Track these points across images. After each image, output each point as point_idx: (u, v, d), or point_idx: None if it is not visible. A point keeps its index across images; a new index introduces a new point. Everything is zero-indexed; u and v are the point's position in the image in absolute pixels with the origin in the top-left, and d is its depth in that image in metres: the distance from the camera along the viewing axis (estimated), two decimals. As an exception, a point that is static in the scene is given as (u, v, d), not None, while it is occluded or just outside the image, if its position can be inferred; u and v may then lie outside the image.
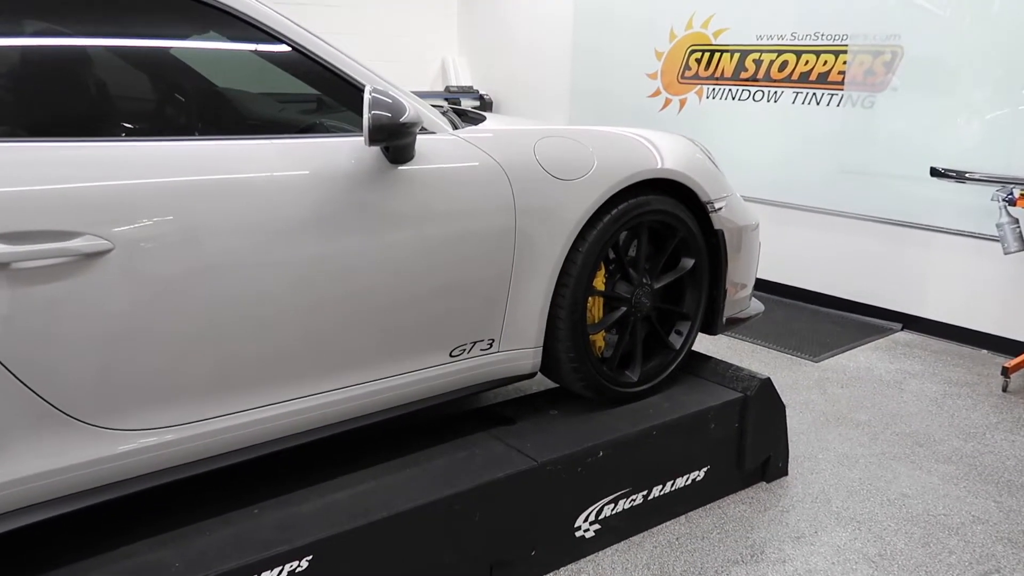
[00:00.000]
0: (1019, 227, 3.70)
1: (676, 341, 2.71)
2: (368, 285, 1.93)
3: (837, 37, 4.58)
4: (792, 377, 3.87)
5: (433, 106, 2.69)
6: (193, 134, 1.91)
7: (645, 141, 2.55)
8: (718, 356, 4.05)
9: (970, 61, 4.09)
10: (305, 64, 1.93)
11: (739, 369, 2.80)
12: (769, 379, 2.74)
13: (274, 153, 1.81)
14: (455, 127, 2.22)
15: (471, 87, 6.95)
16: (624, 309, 2.52)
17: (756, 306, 3.09)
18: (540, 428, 2.40)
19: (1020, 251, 3.72)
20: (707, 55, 5.30)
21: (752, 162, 5.15)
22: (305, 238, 1.81)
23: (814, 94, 4.75)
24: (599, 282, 2.46)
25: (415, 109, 1.91)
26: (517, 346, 2.28)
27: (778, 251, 5.13)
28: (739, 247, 2.80)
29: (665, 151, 2.54)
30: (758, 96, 5.06)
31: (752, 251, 2.93)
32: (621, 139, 2.51)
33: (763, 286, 5.23)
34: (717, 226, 2.66)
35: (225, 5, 1.80)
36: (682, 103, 5.52)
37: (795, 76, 4.83)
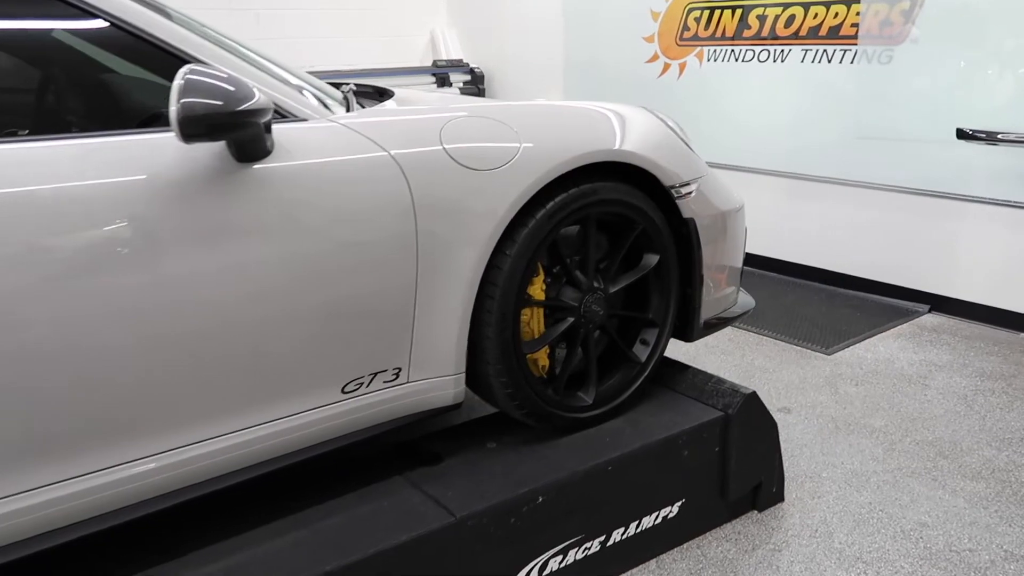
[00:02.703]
0: (1060, 195, 3.19)
1: (642, 353, 2.29)
2: (218, 316, 1.55)
3: (848, -15, 4.06)
4: (800, 374, 3.42)
5: (336, 84, 2.30)
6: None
7: (591, 117, 2.12)
8: (718, 350, 3.67)
9: (1000, 5, 3.55)
10: (126, 41, 1.53)
11: (720, 381, 2.37)
12: (754, 393, 2.31)
13: (69, 156, 1.42)
14: (349, 110, 1.82)
15: (461, 60, 6.50)
16: (571, 320, 2.11)
17: (745, 302, 2.65)
18: (471, 468, 2.01)
19: (1062, 223, 3.21)
20: (707, 13, 4.79)
21: (759, 129, 4.66)
22: (116, 264, 1.42)
23: (825, 51, 4.24)
24: (537, 290, 2.04)
25: (263, 93, 1.51)
26: (432, 374, 1.88)
27: (789, 226, 4.66)
28: (718, 236, 2.36)
29: (617, 128, 2.11)
30: (763, 56, 4.55)
31: (736, 239, 2.49)
32: (559, 117, 2.08)
33: (772, 266, 4.76)
34: (686, 214, 2.22)
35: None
36: (682, 67, 5.03)
37: (803, 32, 4.31)
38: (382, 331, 1.78)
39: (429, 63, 6.53)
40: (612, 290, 2.18)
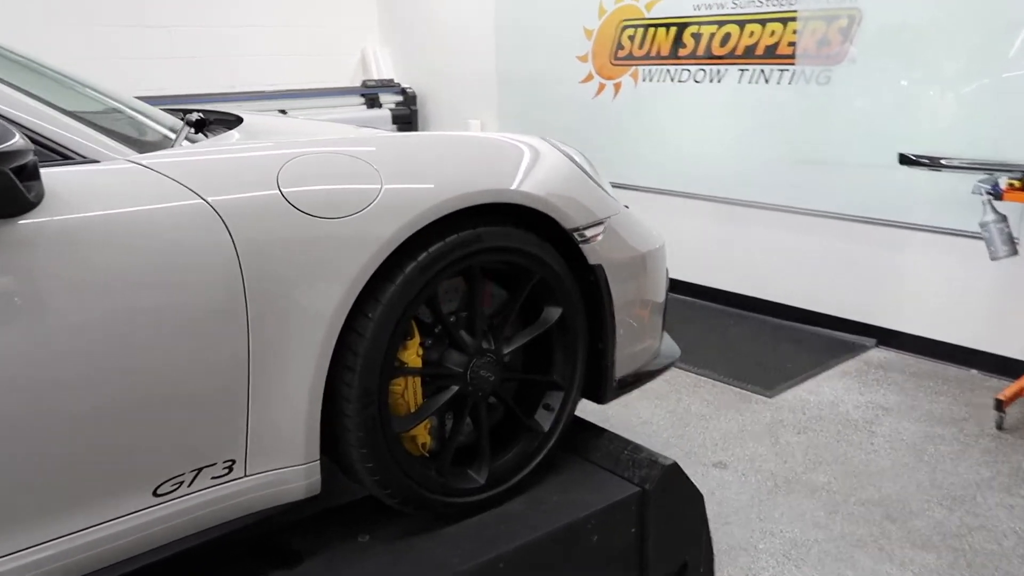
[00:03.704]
0: (1007, 226, 2.98)
1: (545, 420, 1.98)
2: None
3: (784, 2, 3.84)
4: (739, 421, 3.14)
5: (181, 112, 1.97)
6: None
7: (472, 152, 1.82)
8: (652, 394, 3.38)
9: (941, 24, 3.36)
10: None
11: (636, 449, 2.06)
12: (675, 465, 2.01)
13: None
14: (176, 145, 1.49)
15: (391, 80, 6.19)
16: (455, 389, 1.79)
17: (669, 350, 2.36)
18: (334, 571, 1.67)
19: (1009, 256, 2.99)
20: (641, 31, 4.55)
21: (696, 152, 4.42)
22: None
23: (762, 71, 4.01)
24: (412, 355, 1.72)
25: (32, 131, 1.18)
26: (276, 464, 1.55)
27: (728, 254, 4.42)
28: (634, 282, 2.07)
29: (506, 165, 1.81)
30: (700, 76, 4.32)
31: (656, 283, 2.20)
32: (436, 151, 1.77)
33: (711, 296, 4.51)
34: (593, 260, 1.93)
35: None
36: (617, 87, 4.78)
37: (739, 51, 4.09)
38: (204, 419, 1.44)
39: (358, 83, 6.21)
40: (506, 351, 1.87)
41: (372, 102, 6.00)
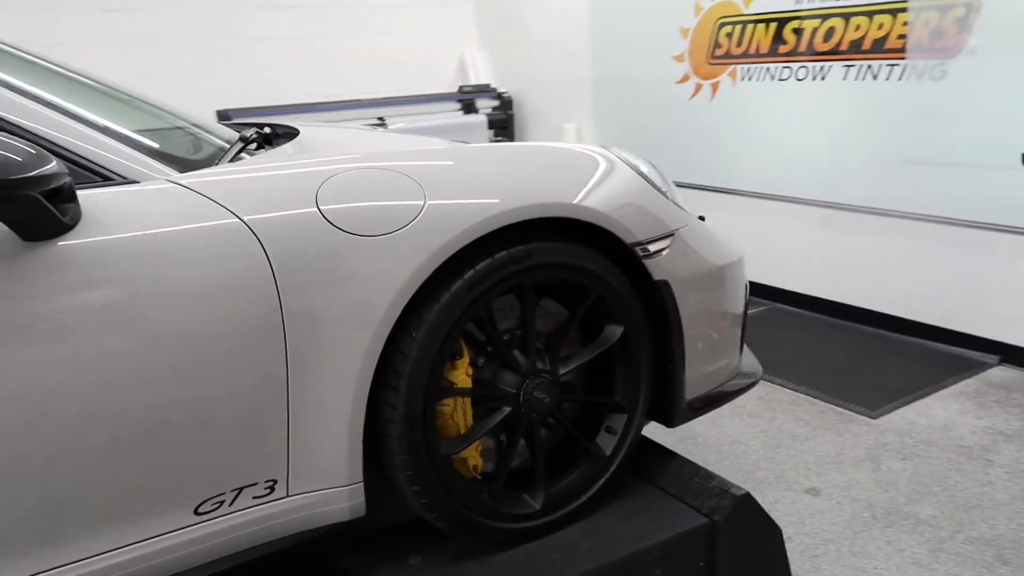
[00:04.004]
0: None
1: (607, 444, 1.88)
2: (8, 432, 1.23)
3: (894, -9, 3.57)
4: (837, 443, 2.93)
5: (241, 127, 1.99)
6: None
7: (526, 164, 1.75)
8: (743, 411, 3.20)
9: (1075, 7, 3.03)
10: None
11: (708, 477, 1.94)
12: (747, 495, 1.87)
13: None
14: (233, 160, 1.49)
15: (488, 85, 6.19)
16: (507, 411, 1.72)
17: (750, 369, 2.22)
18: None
19: None
20: (739, 28, 4.35)
21: (797, 155, 4.19)
22: None
23: (869, 67, 3.75)
24: (460, 375, 1.67)
25: (71, 152, 1.21)
26: (319, 486, 1.52)
27: (833, 261, 4.16)
28: (707, 298, 1.95)
29: (560, 176, 1.73)
30: (801, 74, 4.08)
31: (733, 298, 2.07)
32: (486, 164, 1.71)
33: (815, 306, 4.26)
34: (657, 276, 1.82)
35: None
36: (714, 88, 4.59)
37: (844, 46, 3.84)
38: (243, 439, 1.43)
39: (455, 89, 6.24)
40: (563, 371, 1.79)
41: (468, 108, 6.01)
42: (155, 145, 1.49)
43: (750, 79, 4.37)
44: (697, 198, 4.86)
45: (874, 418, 3.11)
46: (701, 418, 3.13)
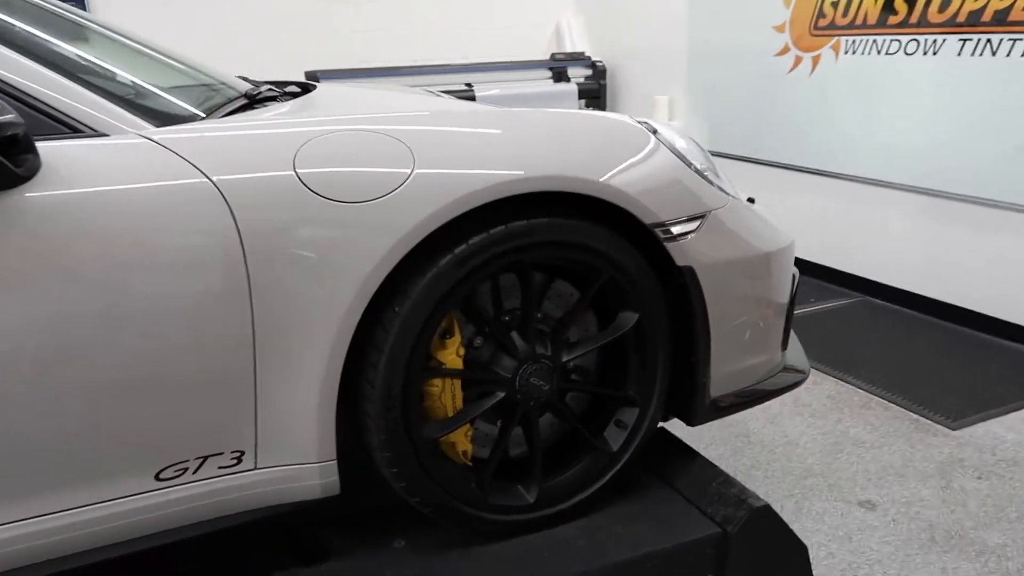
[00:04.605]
0: None
1: (615, 439, 1.75)
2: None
3: (1022, -45, 3.18)
4: (906, 453, 2.68)
5: (253, 82, 1.93)
6: None
7: (537, 132, 1.62)
8: (808, 410, 2.98)
9: None
10: None
11: (728, 483, 1.78)
12: (767, 507, 1.71)
13: None
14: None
15: (582, 53, 5.98)
16: (501, 396, 1.61)
17: (796, 365, 2.02)
18: (356, 574, 1.58)
19: None
20: (846, -4, 4.00)
21: (898, 137, 3.84)
22: None
23: (988, 41, 3.36)
24: (450, 354, 1.57)
25: (28, 102, 1.17)
26: (288, 460, 1.47)
27: (930, 255, 3.81)
28: (742, 287, 1.78)
29: (569, 146, 1.59)
30: (911, 48, 3.72)
31: (776, 289, 1.88)
32: (491, 130, 1.59)
33: (909, 301, 3.92)
34: (681, 261, 1.66)
35: None
36: (815, 61, 4.26)
37: (961, 17, 3.46)
38: (206, 406, 1.38)
39: (547, 56, 6.07)
40: (567, 358, 1.66)
41: (560, 76, 5.84)
42: (132, 97, 1.45)
43: (854, 53, 4.02)
44: (789, 179, 4.56)
45: (954, 429, 2.82)
46: (758, 415, 2.98)
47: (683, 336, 1.74)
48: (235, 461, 1.44)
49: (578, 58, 5.94)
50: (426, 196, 1.42)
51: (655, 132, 1.71)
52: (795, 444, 2.77)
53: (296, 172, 1.37)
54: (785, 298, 1.92)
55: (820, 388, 3.17)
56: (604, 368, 1.80)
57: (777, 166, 4.60)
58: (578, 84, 5.84)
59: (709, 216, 1.70)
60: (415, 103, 2.03)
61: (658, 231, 1.62)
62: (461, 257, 1.47)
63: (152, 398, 1.34)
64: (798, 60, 4.37)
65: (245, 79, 2.13)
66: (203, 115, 1.52)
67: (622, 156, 1.61)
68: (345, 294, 1.39)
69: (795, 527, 2.24)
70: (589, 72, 5.91)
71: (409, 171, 1.42)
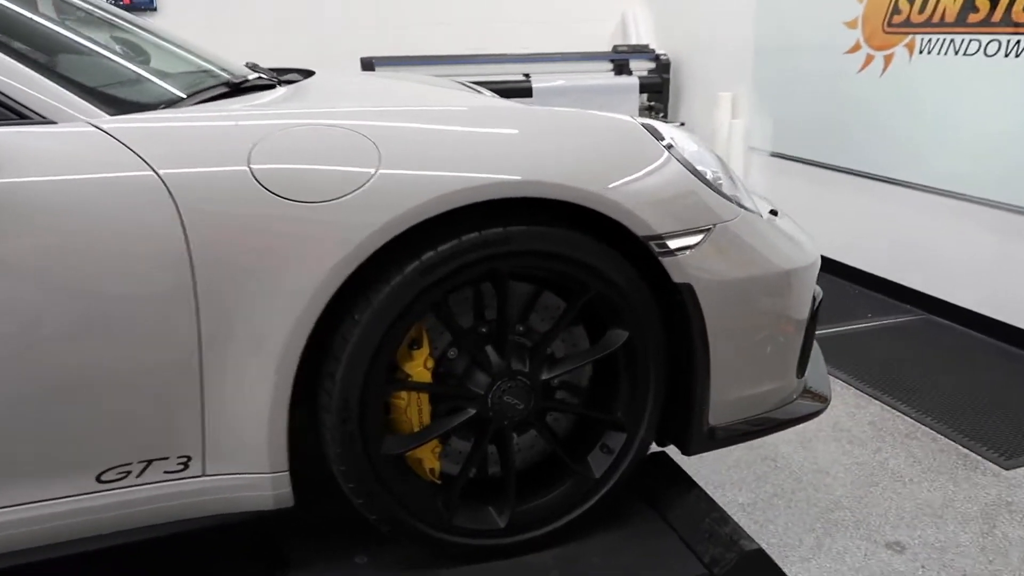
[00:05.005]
0: None
1: (599, 465, 1.63)
2: None
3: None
4: (947, 493, 2.46)
5: (259, 70, 1.87)
6: None
7: (520, 132, 1.50)
8: (846, 436, 2.78)
9: None
10: None
11: (722, 521, 1.64)
12: (760, 551, 1.56)
13: None
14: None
15: (646, 46, 5.80)
16: (472, 413, 1.51)
17: (809, 402, 1.85)
18: (312, 590, 1.51)
19: None
20: (923, -9, 3.73)
21: (975, 146, 3.55)
22: None
23: (1077, 43, 3.07)
24: (417, 366, 1.48)
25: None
26: (239, 469, 1.40)
27: (1005, 274, 3.53)
28: (751, 309, 1.63)
29: (560, 148, 1.47)
30: (992, 48, 3.43)
31: (793, 309, 1.72)
32: (473, 128, 1.48)
33: (973, 322, 3.63)
34: (678, 278, 1.52)
35: None
36: (887, 60, 3.99)
37: (1048, 16, 3.16)
38: (149, 408, 1.33)
39: (609, 48, 5.90)
40: (546, 376, 1.55)
41: (621, 68, 5.66)
42: (93, 83, 1.39)
43: (929, 52, 3.74)
44: (854, 185, 4.30)
45: (1006, 469, 2.58)
46: (791, 437, 2.80)
47: (682, 358, 1.60)
48: (181, 467, 1.38)
49: (641, 51, 5.76)
50: (389, 198, 1.32)
51: (660, 136, 1.58)
52: (826, 472, 2.58)
53: (250, 168, 1.29)
54: (803, 319, 1.76)
55: (863, 413, 2.96)
56: (595, 387, 1.68)
57: (841, 171, 4.34)
58: (640, 78, 5.65)
59: (715, 230, 1.55)
60: (414, 97, 1.94)
61: (653, 244, 1.49)
62: (428, 264, 1.37)
63: (90, 397, 1.29)
64: (869, 59, 4.10)
65: (255, 67, 2.07)
66: (169, 104, 1.46)
67: (615, 160, 1.48)
68: (298, 299, 1.31)
69: (809, 565, 2.09)
70: (652, 65, 5.72)
71: (373, 171, 1.33)
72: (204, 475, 1.39)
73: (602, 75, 5.65)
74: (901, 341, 3.65)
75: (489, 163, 1.39)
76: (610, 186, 1.44)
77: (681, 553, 1.60)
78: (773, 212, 1.81)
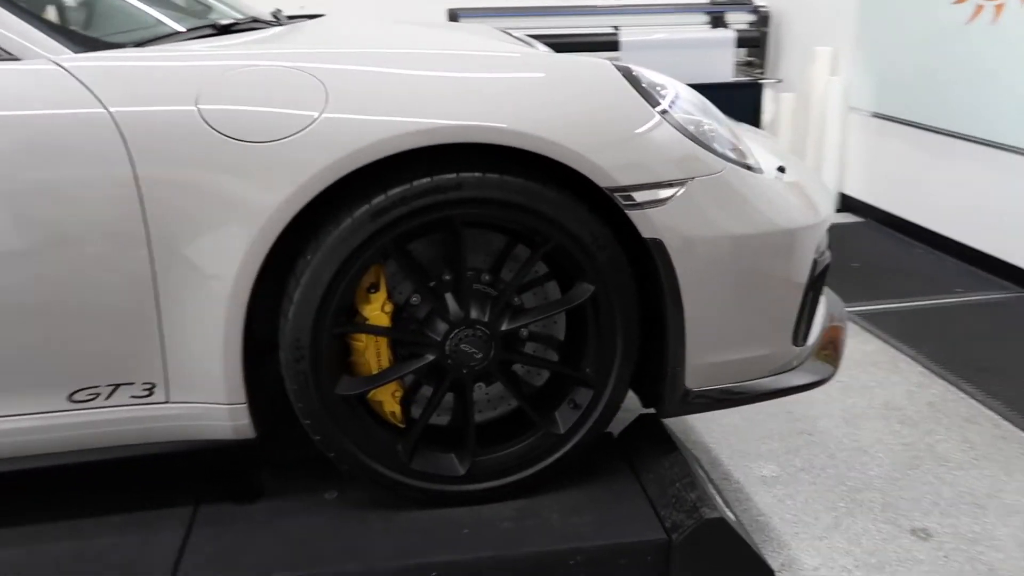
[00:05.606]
0: None
1: (566, 420, 1.60)
2: None
3: None
4: (996, 483, 2.27)
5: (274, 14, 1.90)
6: None
7: (488, 75, 1.46)
8: (897, 416, 2.60)
9: None
10: None
11: (690, 486, 1.58)
12: (721, 520, 1.50)
13: None
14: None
15: (749, -1, 5.50)
16: (430, 359, 1.52)
17: (811, 369, 1.75)
18: (268, 521, 1.57)
19: None
20: (1042, -70, 3.35)
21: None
22: None
23: None
24: (374, 310, 1.49)
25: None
26: (199, 399, 1.47)
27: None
28: (741, 266, 1.55)
29: (522, 93, 1.43)
30: (1115, -5, 3.05)
31: (789, 272, 1.62)
32: (428, 69, 1.46)
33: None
34: (647, 233, 1.46)
35: None
36: (998, 9, 3.62)
37: None
38: (111, 335, 1.41)
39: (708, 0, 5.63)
40: (506, 327, 1.53)
41: (717, 21, 5.41)
42: (68, 22, 1.46)
43: (1045, -1, 3.37)
44: (955, 149, 3.95)
45: (1073, 460, 2.36)
46: (835, 412, 2.65)
47: (659, 311, 1.54)
48: (146, 392, 1.46)
49: (740, 2, 5.47)
50: (334, 139, 1.33)
51: (636, 79, 1.50)
52: (864, 451, 2.43)
53: (198, 108, 1.32)
54: (801, 283, 1.65)
55: (923, 392, 2.76)
56: (570, 344, 1.65)
57: (944, 133, 4.01)
58: (737, 31, 5.38)
59: (692, 184, 1.47)
60: (401, 41, 1.91)
61: (618, 196, 1.43)
62: (379, 208, 1.38)
63: (55, 320, 1.38)
64: (978, 9, 3.74)
65: (278, 13, 2.11)
66: (143, 43, 1.51)
67: (576, 106, 1.43)
68: (245, 236, 1.35)
69: (819, 544, 1.99)
70: (752, 18, 5.43)
71: (317, 113, 1.33)
72: (168, 402, 1.47)
73: (697, 28, 5.42)
74: (987, 319, 3.37)
75: (437, 108, 1.36)
76: (570, 137, 1.39)
77: (646, 517, 1.56)
78: (780, 169, 1.70)
